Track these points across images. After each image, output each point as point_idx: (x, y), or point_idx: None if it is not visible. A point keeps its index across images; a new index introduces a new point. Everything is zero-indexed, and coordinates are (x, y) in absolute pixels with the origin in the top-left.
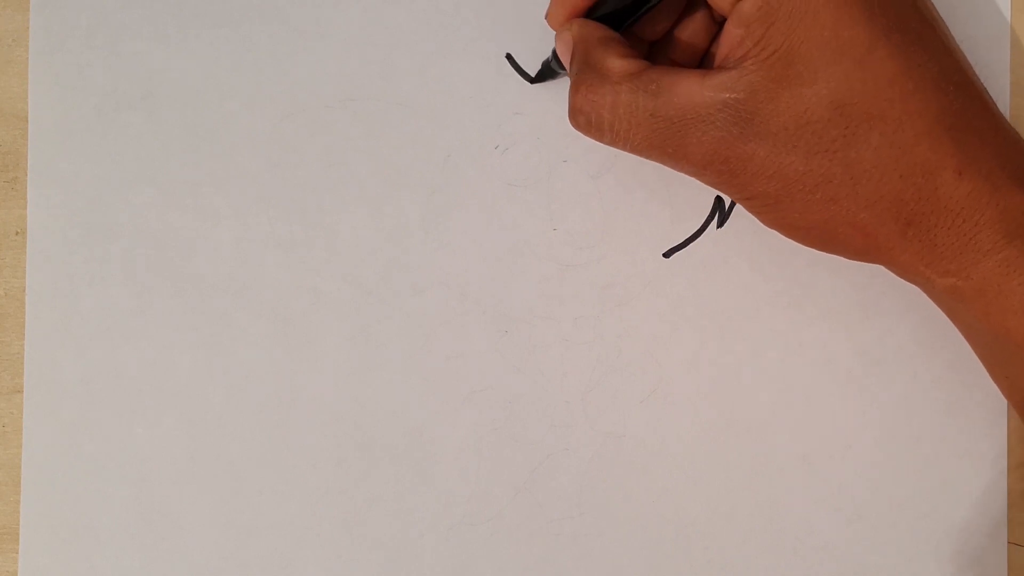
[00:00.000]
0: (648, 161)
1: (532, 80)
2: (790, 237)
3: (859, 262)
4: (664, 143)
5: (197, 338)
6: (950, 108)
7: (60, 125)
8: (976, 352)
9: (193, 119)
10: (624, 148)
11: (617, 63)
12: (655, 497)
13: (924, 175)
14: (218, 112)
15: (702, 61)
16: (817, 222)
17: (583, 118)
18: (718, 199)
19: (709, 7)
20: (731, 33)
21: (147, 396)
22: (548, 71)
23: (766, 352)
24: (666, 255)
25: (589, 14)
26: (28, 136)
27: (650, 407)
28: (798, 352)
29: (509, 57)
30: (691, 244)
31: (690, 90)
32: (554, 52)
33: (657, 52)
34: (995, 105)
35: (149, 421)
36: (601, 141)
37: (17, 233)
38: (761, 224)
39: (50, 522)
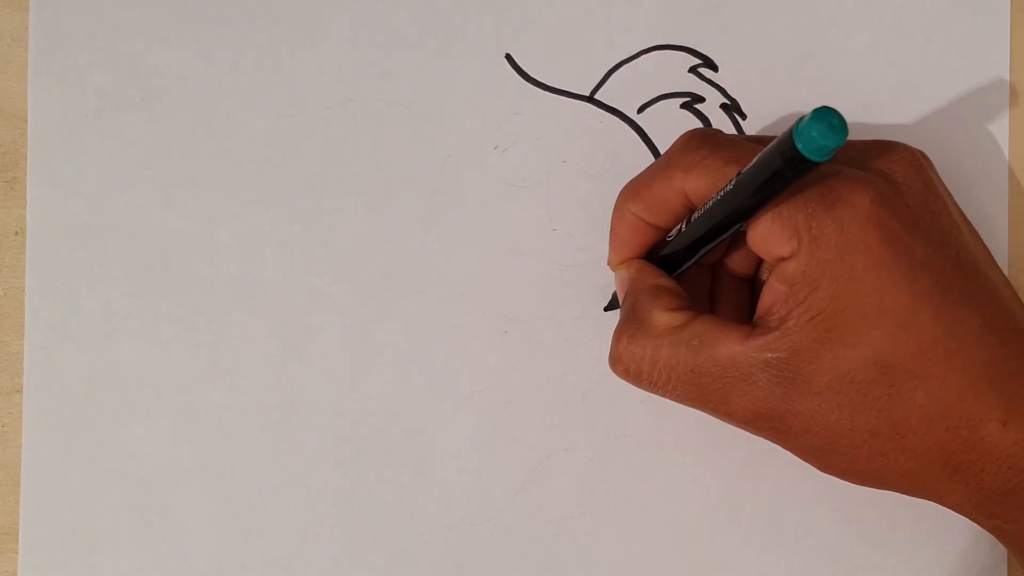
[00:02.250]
0: (647, 162)
1: (605, 308)
2: (841, 479)
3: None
4: (705, 399)
5: (197, 338)
6: (992, 359)
7: (60, 125)
8: None
9: (193, 119)
10: (664, 396)
11: (662, 316)
12: (655, 497)
13: (969, 427)
14: (218, 112)
15: (755, 277)
16: (865, 471)
17: (622, 367)
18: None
19: None
20: (775, 287)
21: (147, 396)
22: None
23: None
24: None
25: (647, 256)
26: (28, 136)
27: (650, 407)
28: None
29: (508, 57)
30: None
31: (732, 349)
32: None
33: (714, 272)
34: None
35: (149, 421)
36: (640, 387)
37: (17, 233)
38: None
39: (50, 522)
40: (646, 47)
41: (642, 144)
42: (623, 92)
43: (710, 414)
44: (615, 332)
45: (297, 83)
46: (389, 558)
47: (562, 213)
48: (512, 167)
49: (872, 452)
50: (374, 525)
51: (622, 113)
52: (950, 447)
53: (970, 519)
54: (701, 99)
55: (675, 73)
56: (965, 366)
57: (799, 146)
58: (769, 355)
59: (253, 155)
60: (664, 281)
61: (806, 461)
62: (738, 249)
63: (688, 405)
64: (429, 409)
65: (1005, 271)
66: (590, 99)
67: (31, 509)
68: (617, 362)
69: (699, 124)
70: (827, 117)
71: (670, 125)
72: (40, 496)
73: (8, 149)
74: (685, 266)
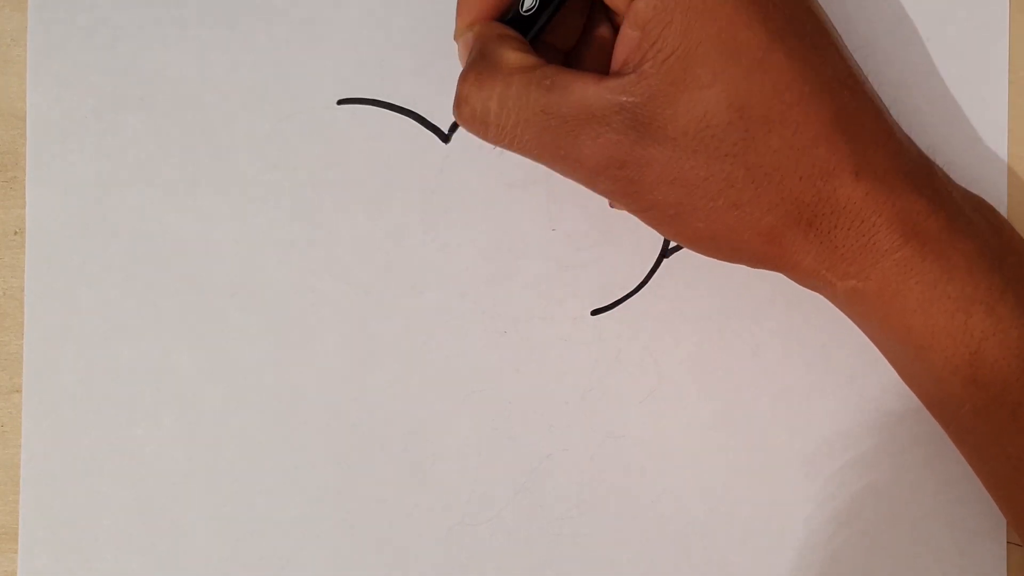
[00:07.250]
0: None
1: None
2: (695, 249)
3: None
4: (555, 143)
5: (197, 338)
6: (844, 111)
7: (59, 125)
8: (886, 358)
9: (192, 119)
10: (511, 147)
11: (513, 55)
12: (655, 497)
13: (823, 177)
14: (218, 112)
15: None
16: (721, 230)
17: (468, 109)
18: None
19: (611, 15)
20: (628, 36)
21: (147, 396)
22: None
23: (766, 352)
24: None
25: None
26: (27, 136)
27: (650, 407)
28: (798, 352)
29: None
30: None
31: (586, 90)
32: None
33: (570, 63)
34: (886, 109)
35: (149, 421)
36: (486, 137)
37: (16, 233)
38: None
39: (49, 522)
40: None
41: None
42: None
43: (560, 167)
44: (461, 76)
45: (297, 83)
46: (389, 558)
47: (561, 213)
48: (511, 167)
49: (728, 204)
50: (374, 525)
51: None
52: (804, 198)
53: (823, 287)
54: None
55: None
56: (818, 112)
57: None
58: (624, 98)
59: (253, 155)
60: (514, 33)
61: (661, 226)
62: (589, 36)
63: (537, 156)
64: (429, 409)
65: None
66: None
67: (31, 509)
68: (463, 102)
69: None
70: None
71: None
72: (40, 496)
73: (8, 149)
74: (535, 30)
